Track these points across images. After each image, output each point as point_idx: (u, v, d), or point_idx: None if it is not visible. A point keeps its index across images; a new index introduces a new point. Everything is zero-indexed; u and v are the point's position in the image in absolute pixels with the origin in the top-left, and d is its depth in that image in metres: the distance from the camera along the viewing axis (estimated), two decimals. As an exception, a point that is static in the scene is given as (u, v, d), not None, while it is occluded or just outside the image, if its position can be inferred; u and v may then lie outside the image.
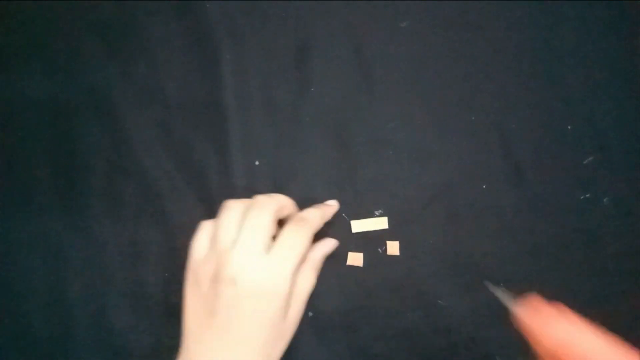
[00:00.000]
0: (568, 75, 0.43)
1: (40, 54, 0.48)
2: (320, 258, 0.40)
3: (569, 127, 0.42)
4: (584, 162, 0.41)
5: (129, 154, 0.45)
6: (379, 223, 0.42)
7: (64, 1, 0.48)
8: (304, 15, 0.45)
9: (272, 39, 0.45)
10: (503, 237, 0.41)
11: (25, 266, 0.45)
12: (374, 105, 0.44)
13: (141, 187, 0.45)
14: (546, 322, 0.27)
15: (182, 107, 0.45)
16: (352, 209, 0.42)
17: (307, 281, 0.37)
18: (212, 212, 0.43)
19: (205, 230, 0.38)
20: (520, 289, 0.33)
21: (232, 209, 0.37)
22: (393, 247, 0.42)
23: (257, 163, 0.44)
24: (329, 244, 0.41)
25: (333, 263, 0.41)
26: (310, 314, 0.41)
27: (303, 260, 0.37)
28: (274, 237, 0.37)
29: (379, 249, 0.42)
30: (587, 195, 0.41)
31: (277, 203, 0.38)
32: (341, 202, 0.42)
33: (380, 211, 0.42)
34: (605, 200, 0.41)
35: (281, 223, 0.39)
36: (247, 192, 0.44)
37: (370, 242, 0.42)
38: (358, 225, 0.42)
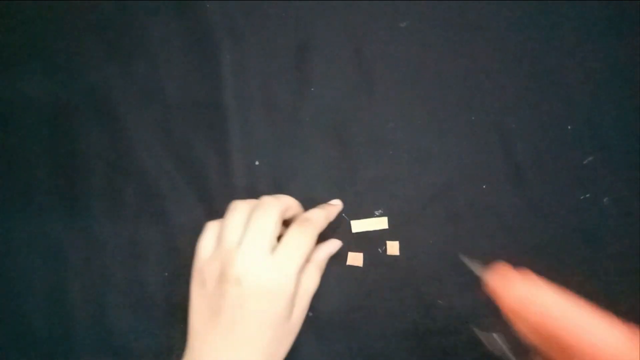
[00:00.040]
0: (568, 75, 0.43)
1: (40, 54, 0.48)
2: (324, 258, 0.40)
3: (569, 127, 0.42)
4: (584, 162, 0.41)
5: (129, 154, 0.45)
6: (379, 223, 0.42)
7: (64, 1, 0.48)
8: (304, 15, 0.45)
9: (272, 39, 0.45)
10: (503, 237, 0.41)
11: (25, 266, 0.45)
12: (374, 105, 0.44)
13: (141, 187, 0.45)
14: (509, 283, 0.28)
15: (182, 107, 0.45)
16: (352, 209, 0.42)
17: (311, 281, 0.38)
18: (212, 212, 0.43)
19: (211, 230, 0.38)
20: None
21: (238, 209, 0.37)
22: (393, 247, 0.42)
23: (257, 163, 0.44)
24: (333, 245, 0.41)
25: (333, 263, 0.41)
26: (310, 314, 0.41)
27: (307, 260, 0.38)
28: (279, 238, 0.37)
29: (379, 249, 0.42)
30: (587, 195, 0.41)
31: (282, 204, 0.38)
32: (342, 203, 0.42)
33: (380, 211, 0.42)
34: (605, 200, 0.41)
35: (286, 223, 0.39)
36: (247, 192, 0.44)
37: (370, 242, 0.42)
38: (358, 225, 0.42)
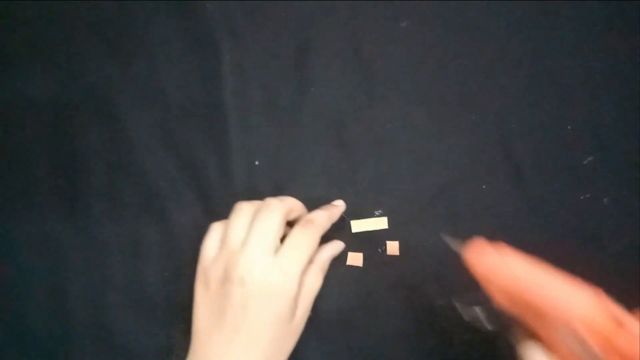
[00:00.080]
0: (568, 75, 0.43)
1: (40, 54, 0.48)
2: (327, 260, 0.40)
3: (569, 127, 0.42)
4: (584, 162, 0.41)
5: (129, 154, 0.45)
6: (379, 223, 0.42)
7: (64, 1, 0.48)
8: (304, 15, 0.45)
9: (272, 39, 0.45)
10: (503, 237, 0.41)
11: (25, 266, 0.45)
12: (374, 105, 0.44)
13: (141, 187, 0.45)
14: (482, 254, 0.30)
15: (182, 107, 0.45)
16: (352, 209, 0.42)
17: (314, 282, 0.38)
18: (212, 212, 0.43)
19: (215, 231, 0.38)
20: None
21: (243, 210, 0.38)
22: (393, 247, 0.42)
23: (257, 163, 0.44)
24: (335, 246, 0.41)
25: (333, 263, 0.41)
26: (310, 314, 0.41)
27: (310, 261, 0.38)
28: (283, 239, 0.37)
29: (379, 249, 0.42)
30: (587, 195, 0.41)
31: (286, 205, 0.38)
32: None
33: (380, 211, 0.42)
34: (605, 200, 0.41)
35: (290, 225, 0.39)
36: (247, 192, 0.44)
37: (370, 242, 0.42)
38: (358, 225, 0.42)
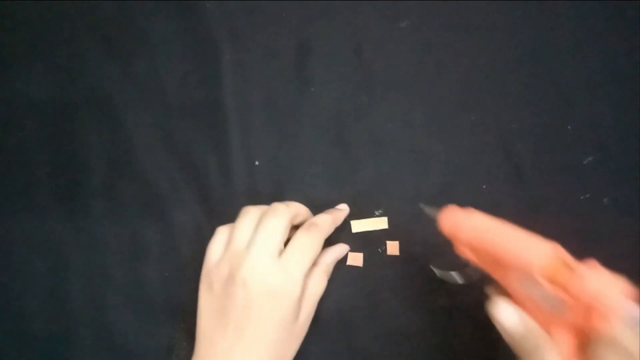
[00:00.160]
0: (568, 75, 0.43)
1: (40, 54, 0.48)
2: (331, 262, 0.40)
3: (569, 127, 0.42)
4: (584, 162, 0.41)
5: (129, 154, 0.45)
6: (379, 223, 0.42)
7: (64, 1, 0.48)
8: (304, 15, 0.45)
9: (272, 39, 0.45)
10: (503, 237, 0.41)
11: (25, 266, 0.45)
12: (374, 105, 0.44)
13: (141, 187, 0.45)
14: (451, 214, 0.33)
15: (182, 107, 0.45)
16: (352, 209, 0.42)
17: (318, 285, 0.38)
18: (212, 212, 0.43)
19: (221, 235, 0.39)
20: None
21: (249, 214, 0.38)
22: (393, 247, 0.42)
23: (257, 163, 0.44)
24: (340, 249, 0.41)
25: (333, 263, 0.41)
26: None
27: (315, 264, 0.38)
28: (288, 242, 0.37)
29: (379, 249, 0.42)
30: (587, 195, 0.41)
31: (292, 210, 0.38)
32: (341, 202, 0.42)
33: (380, 211, 0.42)
34: (605, 200, 0.41)
35: (296, 229, 0.39)
36: (247, 192, 0.44)
37: (370, 242, 0.42)
38: (358, 225, 0.42)
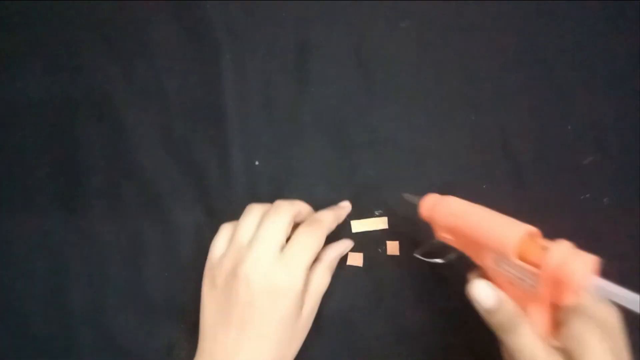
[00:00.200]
0: (568, 75, 0.43)
1: (40, 54, 0.48)
2: (335, 258, 0.40)
3: (569, 127, 0.42)
4: (584, 162, 0.41)
5: (129, 154, 0.45)
6: (379, 223, 0.42)
7: (64, 1, 0.48)
8: (304, 15, 0.45)
9: (272, 38, 0.45)
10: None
11: (26, 266, 0.45)
12: (374, 105, 0.44)
13: (141, 187, 0.45)
14: (428, 200, 0.36)
15: (182, 107, 0.45)
16: (352, 209, 0.42)
17: (321, 280, 0.38)
18: (212, 212, 0.43)
19: (224, 231, 0.39)
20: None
21: (252, 211, 0.38)
22: (393, 247, 0.42)
23: (257, 163, 0.44)
24: (343, 245, 0.41)
25: (333, 263, 0.41)
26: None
27: (316, 259, 0.38)
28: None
29: (379, 249, 0.42)
30: (587, 195, 0.41)
31: (295, 207, 0.38)
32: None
33: (380, 211, 0.42)
34: (605, 200, 0.41)
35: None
36: (247, 192, 0.44)
37: (370, 242, 0.42)
38: (358, 225, 0.42)
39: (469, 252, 0.34)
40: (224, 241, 0.38)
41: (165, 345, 0.42)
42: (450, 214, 0.34)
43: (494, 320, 0.31)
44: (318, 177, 0.43)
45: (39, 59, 0.48)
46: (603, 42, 0.43)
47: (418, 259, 0.41)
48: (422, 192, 0.37)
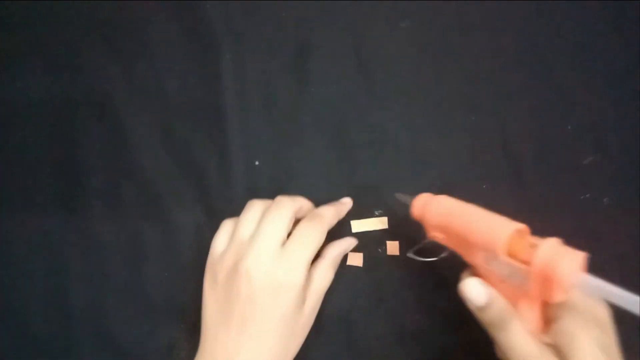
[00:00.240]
0: (568, 75, 0.43)
1: (40, 54, 0.48)
2: (338, 255, 0.40)
3: (569, 127, 0.42)
4: (584, 162, 0.41)
5: (129, 154, 0.45)
6: (379, 223, 0.42)
7: (64, 1, 0.48)
8: (304, 15, 0.45)
9: (272, 39, 0.45)
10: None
11: (26, 266, 0.45)
12: (374, 105, 0.44)
13: (141, 187, 0.45)
14: (420, 199, 0.36)
15: (182, 107, 0.45)
16: (352, 209, 0.42)
17: (323, 277, 0.38)
18: (212, 212, 0.43)
19: (225, 228, 0.39)
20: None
21: (254, 207, 0.38)
22: (393, 247, 0.42)
23: (257, 163, 0.44)
24: (347, 242, 0.41)
25: (333, 263, 0.41)
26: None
27: (317, 254, 0.38)
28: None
29: (379, 249, 0.42)
30: (587, 195, 0.41)
31: (296, 203, 0.38)
32: (341, 202, 0.42)
33: (380, 211, 0.42)
34: (605, 200, 0.41)
35: None
36: (247, 192, 0.44)
37: (370, 242, 0.42)
38: (358, 225, 0.42)
39: (460, 250, 0.34)
40: (225, 237, 0.38)
41: (165, 345, 0.42)
42: (441, 213, 0.34)
43: (485, 318, 0.32)
44: (318, 177, 0.43)
45: (39, 59, 0.48)
46: (603, 42, 0.43)
47: (418, 258, 0.41)
48: (415, 192, 0.37)
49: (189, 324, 0.41)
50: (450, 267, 0.41)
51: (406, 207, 0.37)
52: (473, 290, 0.32)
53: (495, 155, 0.42)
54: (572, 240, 0.41)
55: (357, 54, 0.44)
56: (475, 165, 0.42)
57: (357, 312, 0.41)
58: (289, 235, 0.37)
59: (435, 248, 0.37)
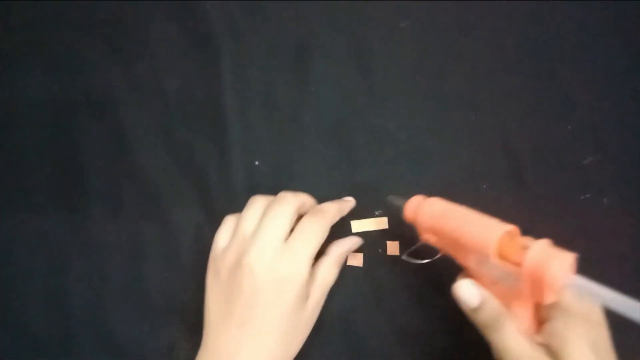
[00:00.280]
0: (568, 75, 0.43)
1: (40, 54, 0.48)
2: (342, 253, 0.40)
3: (569, 127, 0.42)
4: (584, 162, 0.41)
5: (129, 154, 0.45)
6: (379, 223, 0.42)
7: (64, 1, 0.48)
8: (304, 15, 0.45)
9: (272, 38, 0.45)
10: (503, 237, 0.41)
11: (25, 266, 0.45)
12: (374, 105, 0.44)
13: (141, 187, 0.45)
14: (412, 202, 0.36)
15: (182, 107, 0.45)
16: (352, 209, 0.42)
17: (327, 274, 0.38)
18: (212, 212, 0.43)
19: (228, 223, 0.39)
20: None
21: (256, 202, 0.38)
22: (393, 247, 0.41)
23: (257, 163, 0.44)
24: (352, 241, 0.41)
25: (333, 263, 0.41)
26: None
27: (320, 252, 0.38)
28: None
29: (379, 249, 0.42)
30: (587, 195, 0.41)
31: (299, 199, 0.38)
32: (341, 202, 0.42)
33: (380, 211, 0.42)
34: (605, 200, 0.41)
35: None
36: (247, 192, 0.43)
37: (370, 242, 0.42)
38: (358, 225, 0.42)
39: (452, 253, 0.34)
40: (228, 233, 0.38)
41: (165, 345, 0.42)
42: (433, 216, 0.34)
43: (478, 319, 0.32)
44: (318, 177, 0.43)
45: (39, 59, 0.48)
46: (603, 42, 0.43)
47: (417, 257, 0.41)
48: (409, 194, 0.37)
49: (189, 324, 0.41)
50: (450, 267, 0.41)
51: (399, 209, 0.37)
52: (466, 291, 0.32)
53: (495, 155, 0.42)
54: (572, 240, 0.41)
55: (357, 54, 0.44)
56: (475, 165, 0.42)
57: (357, 312, 0.41)
58: (291, 231, 0.37)
59: (431, 250, 0.37)
